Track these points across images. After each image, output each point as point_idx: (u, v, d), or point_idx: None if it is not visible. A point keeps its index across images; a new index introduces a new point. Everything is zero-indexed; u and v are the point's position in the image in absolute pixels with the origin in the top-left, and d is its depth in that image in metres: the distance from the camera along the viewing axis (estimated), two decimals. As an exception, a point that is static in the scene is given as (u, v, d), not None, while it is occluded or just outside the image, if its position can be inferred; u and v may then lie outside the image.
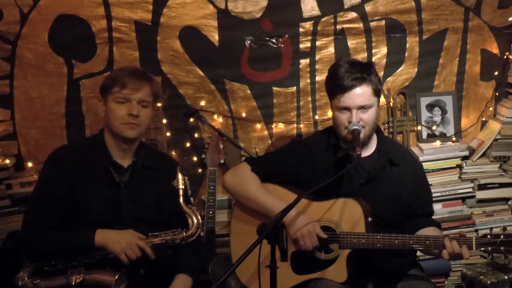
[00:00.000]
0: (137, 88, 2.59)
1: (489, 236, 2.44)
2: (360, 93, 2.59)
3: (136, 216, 2.62)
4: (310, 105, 3.67)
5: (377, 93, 2.65)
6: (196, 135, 3.62)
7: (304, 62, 3.63)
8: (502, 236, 2.41)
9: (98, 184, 2.61)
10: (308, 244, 2.56)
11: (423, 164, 3.10)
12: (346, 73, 2.60)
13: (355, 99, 2.59)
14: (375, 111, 2.65)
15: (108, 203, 2.60)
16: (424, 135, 3.72)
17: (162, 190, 2.69)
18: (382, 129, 3.31)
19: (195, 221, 2.59)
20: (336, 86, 2.62)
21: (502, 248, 2.41)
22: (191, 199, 3.40)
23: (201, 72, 3.57)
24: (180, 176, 2.57)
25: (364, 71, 2.61)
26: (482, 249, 2.44)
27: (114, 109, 2.59)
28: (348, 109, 2.61)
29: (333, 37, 3.61)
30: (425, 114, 3.70)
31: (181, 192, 2.57)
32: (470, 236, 2.47)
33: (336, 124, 2.69)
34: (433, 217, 2.81)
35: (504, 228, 2.46)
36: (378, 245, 2.53)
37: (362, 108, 2.60)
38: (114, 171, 2.63)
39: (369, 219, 2.58)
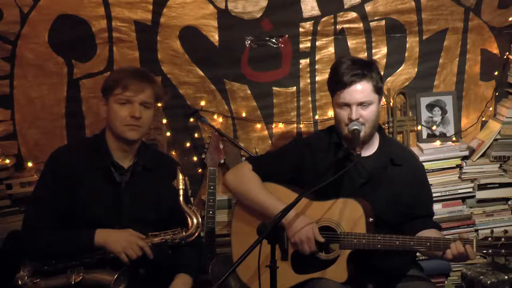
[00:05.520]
0: (139, 90, 2.58)
1: (490, 238, 2.43)
2: (360, 89, 2.60)
3: (137, 216, 2.62)
4: (310, 105, 3.67)
5: (378, 90, 2.65)
6: (196, 135, 3.62)
7: (304, 62, 3.63)
8: (503, 239, 2.41)
9: (98, 184, 2.60)
10: (305, 250, 2.57)
11: (423, 164, 3.09)
12: (347, 69, 2.61)
13: (354, 95, 2.59)
14: (376, 108, 2.65)
15: (109, 202, 2.60)
16: (424, 135, 3.72)
17: (162, 190, 2.69)
18: (382, 129, 3.32)
19: (195, 221, 2.59)
20: (336, 83, 2.63)
21: (503, 251, 2.41)
22: (191, 199, 3.40)
23: (201, 72, 3.57)
24: (180, 176, 2.57)
25: (365, 68, 2.62)
26: (484, 251, 2.44)
27: (116, 111, 2.58)
28: (348, 105, 2.61)
29: (333, 37, 3.61)
30: (425, 114, 3.70)
31: (181, 192, 2.57)
32: (471, 237, 2.47)
33: (337, 121, 2.69)
34: (433, 217, 2.81)
35: (505, 231, 2.46)
36: (379, 245, 2.53)
37: (362, 104, 2.60)
38: (115, 171, 2.63)
39: (370, 219, 2.58)
